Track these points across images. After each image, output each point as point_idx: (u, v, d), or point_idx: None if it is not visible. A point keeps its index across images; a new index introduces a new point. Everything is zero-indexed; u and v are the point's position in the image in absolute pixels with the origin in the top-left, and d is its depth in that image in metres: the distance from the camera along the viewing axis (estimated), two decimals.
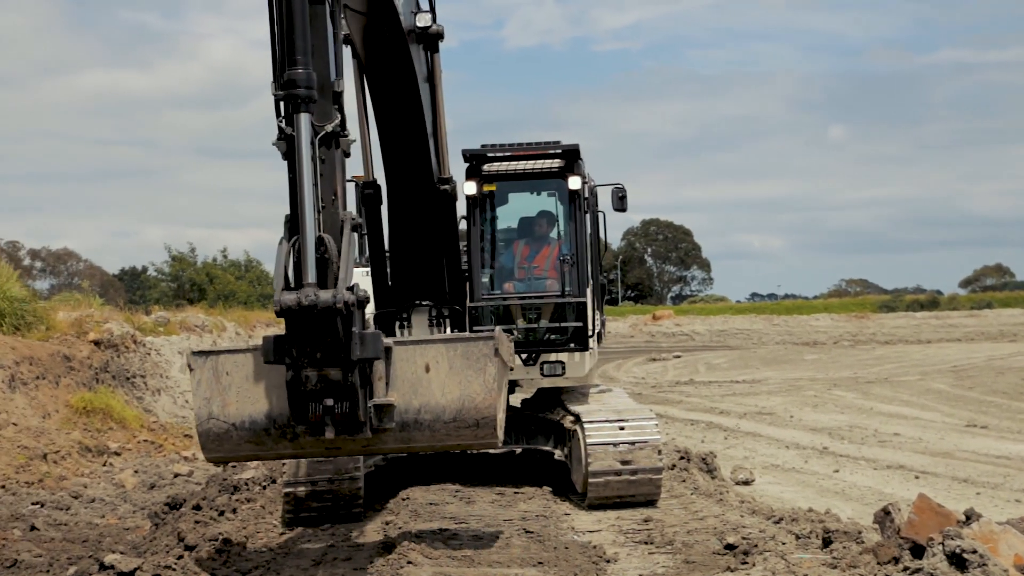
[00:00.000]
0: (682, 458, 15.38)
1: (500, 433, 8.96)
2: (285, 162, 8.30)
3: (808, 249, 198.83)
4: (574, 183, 13.66)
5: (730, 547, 9.91)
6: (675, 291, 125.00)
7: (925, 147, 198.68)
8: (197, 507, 12.95)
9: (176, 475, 17.33)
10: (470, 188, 13.81)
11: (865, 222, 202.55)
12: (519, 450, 15.24)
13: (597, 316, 14.48)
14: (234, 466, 16.73)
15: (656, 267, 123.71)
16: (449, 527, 11.52)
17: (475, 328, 13.45)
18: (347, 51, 11.63)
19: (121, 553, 10.03)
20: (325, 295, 7.88)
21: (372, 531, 11.63)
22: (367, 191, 13.38)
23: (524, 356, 13.59)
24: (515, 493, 13.67)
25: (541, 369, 13.62)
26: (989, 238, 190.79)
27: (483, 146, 14.17)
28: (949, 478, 16.28)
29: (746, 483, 15.79)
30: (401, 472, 14.48)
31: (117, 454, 18.28)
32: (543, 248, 14.40)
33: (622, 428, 12.83)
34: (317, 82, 8.20)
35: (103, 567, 8.74)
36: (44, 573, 10.46)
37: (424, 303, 13.60)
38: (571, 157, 13.79)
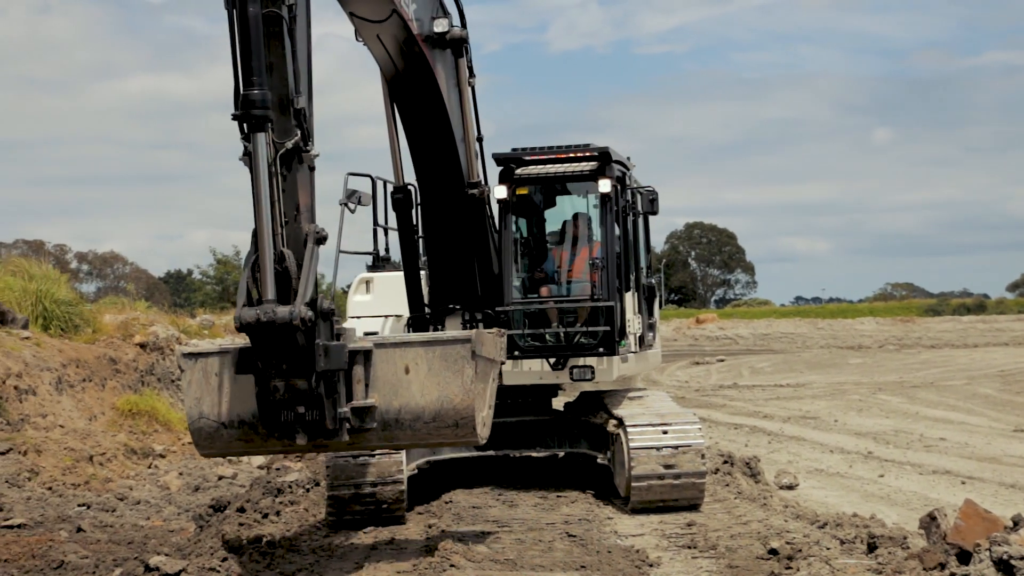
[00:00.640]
0: (725, 462, 15.31)
1: (481, 431, 9.17)
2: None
3: (853, 252, 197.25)
4: (604, 186, 13.59)
5: (774, 552, 9.85)
6: (719, 294, 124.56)
7: (971, 150, 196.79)
8: (241, 509, 13.02)
9: (220, 477, 17.42)
10: (501, 192, 13.80)
11: (911, 225, 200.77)
12: (562, 454, 15.22)
13: (637, 320, 14.40)
14: (277, 468, 16.81)
15: (700, 270, 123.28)
16: (492, 530, 11.52)
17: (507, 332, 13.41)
18: (370, 57, 11.71)
19: (166, 555, 10.10)
20: (283, 311, 8.10)
21: (415, 534, 11.65)
22: (397, 196, 13.43)
23: (553, 361, 13.55)
24: (558, 497, 13.66)
25: (571, 374, 13.56)
26: None
27: (514, 150, 14.17)
28: (996, 483, 16.10)
29: (790, 488, 15.69)
30: (444, 475, 14.50)
31: (162, 456, 18.41)
32: (574, 252, 14.37)
33: (665, 432, 12.78)
34: (277, 100, 8.35)
35: (148, 569, 8.80)
36: (90, 574, 10.54)
37: (456, 307, 13.64)
38: (603, 160, 13.73)
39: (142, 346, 22.66)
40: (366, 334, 14.24)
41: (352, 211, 13.11)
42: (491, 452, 14.28)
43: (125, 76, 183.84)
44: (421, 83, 12.08)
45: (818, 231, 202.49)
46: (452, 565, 9.54)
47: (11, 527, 12.45)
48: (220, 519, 12.81)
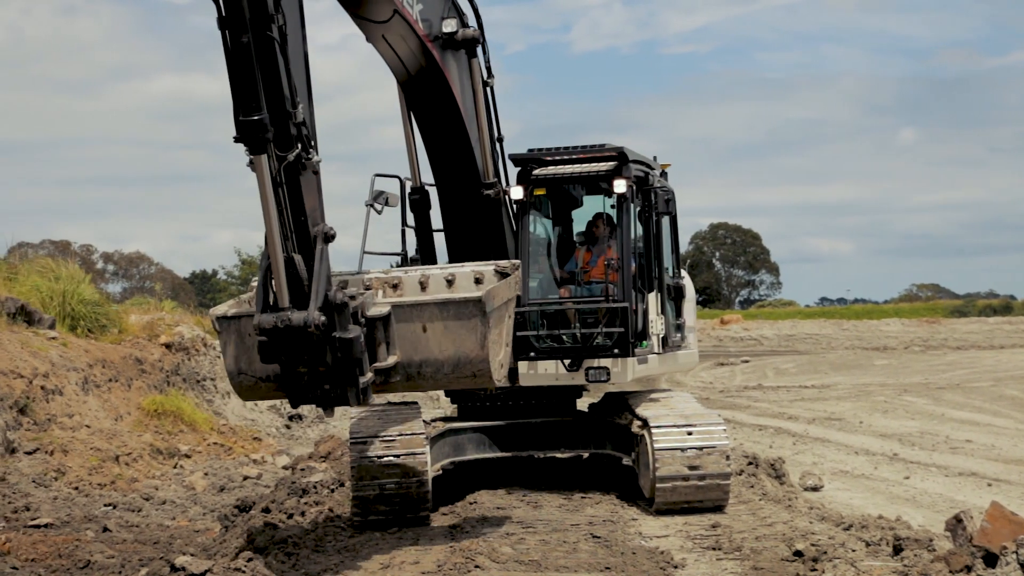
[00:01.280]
0: (750, 463, 15.27)
1: (497, 374, 9.83)
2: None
3: (878, 253, 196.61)
4: (620, 186, 13.53)
5: (799, 554, 9.82)
6: (743, 295, 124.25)
7: (997, 150, 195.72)
8: (266, 510, 13.07)
9: (245, 478, 17.49)
10: (517, 193, 13.79)
11: (936, 226, 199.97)
12: (586, 455, 15.20)
13: (661, 320, 14.35)
14: (302, 469, 16.86)
15: (724, 271, 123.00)
16: (516, 531, 11.52)
17: (519, 333, 13.40)
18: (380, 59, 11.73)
19: (192, 555, 10.15)
20: (298, 318, 8.68)
21: (439, 535, 11.67)
22: (413, 197, 13.45)
23: (568, 362, 13.52)
24: (582, 498, 13.65)
25: (586, 375, 13.53)
26: None
27: (530, 150, 14.17)
28: (1022, 486, 16.01)
29: (815, 489, 15.64)
30: (469, 476, 14.51)
31: (187, 456, 18.50)
32: (594, 252, 14.35)
33: (690, 433, 12.74)
34: (275, 114, 8.54)
35: (174, 569, 8.84)
36: (116, 574, 10.61)
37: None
38: (620, 160, 13.70)
39: (168, 346, 22.77)
40: None
41: (379, 212, 13.17)
42: (516, 453, 14.29)
43: (149, 77, 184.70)
44: (433, 84, 12.09)
45: (843, 232, 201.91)
46: (477, 566, 9.55)
47: (38, 527, 12.53)
48: (245, 519, 12.87)
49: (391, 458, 12.18)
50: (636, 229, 14.11)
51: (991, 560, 8.18)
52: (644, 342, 13.93)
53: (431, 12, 11.82)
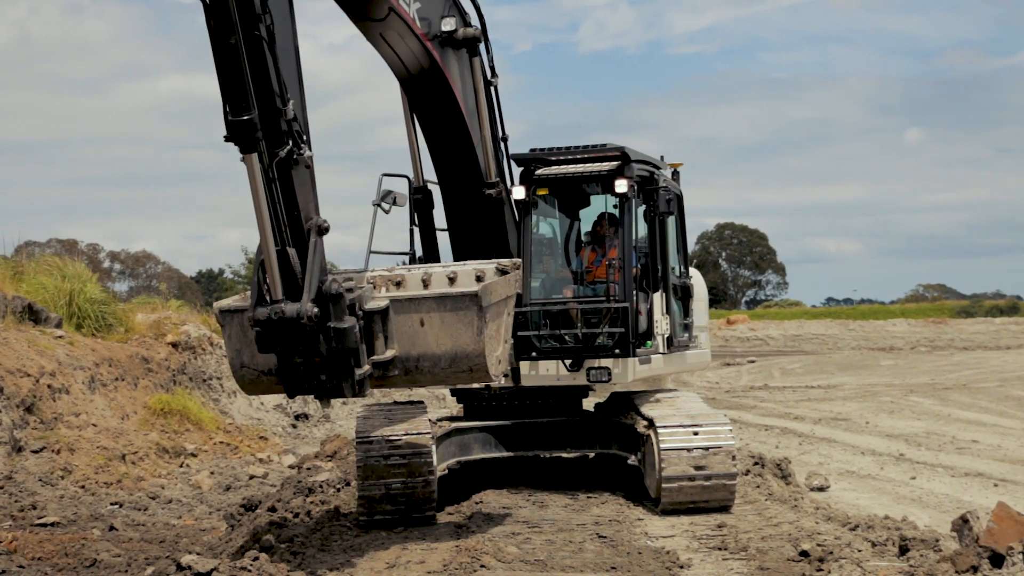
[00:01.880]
0: (756, 464, 15.26)
1: (494, 370, 9.94)
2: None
3: (885, 254, 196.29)
4: (621, 186, 13.51)
5: (805, 554, 9.81)
6: (750, 295, 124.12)
7: (1004, 150, 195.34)
8: (272, 509, 13.08)
9: (251, 477, 17.51)
10: (519, 193, 13.78)
11: (943, 226, 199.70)
12: (592, 455, 15.20)
13: (666, 320, 14.33)
14: (308, 468, 16.87)
15: (730, 271, 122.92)
16: (522, 531, 11.52)
17: (520, 333, 13.40)
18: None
19: (198, 554, 10.16)
20: (291, 310, 8.84)
21: (445, 534, 11.67)
22: (416, 196, 13.45)
23: (569, 361, 13.51)
24: (588, 498, 13.64)
25: (587, 375, 13.52)
26: None
27: (532, 150, 14.16)
28: None
29: (821, 489, 15.63)
30: (474, 476, 14.51)
31: (193, 455, 18.51)
32: (597, 252, 14.33)
33: (696, 433, 12.74)
34: (266, 112, 8.64)
35: (180, 567, 8.85)
36: (122, 573, 10.62)
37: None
38: (623, 160, 13.68)
39: (174, 345, 22.79)
40: None
41: (387, 212, 13.16)
42: (522, 453, 14.29)
43: (157, 76, 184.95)
44: (433, 83, 12.09)
45: (849, 232, 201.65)
46: (482, 565, 9.55)
47: (45, 525, 12.56)
48: (251, 518, 12.88)
49: (397, 458, 12.18)
50: (639, 229, 14.10)
51: (997, 561, 8.17)
52: (648, 342, 13.91)
53: (430, 11, 11.81)
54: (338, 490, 14.10)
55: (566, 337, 13.59)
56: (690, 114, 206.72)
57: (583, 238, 14.79)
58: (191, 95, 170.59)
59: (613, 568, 9.77)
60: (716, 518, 12.28)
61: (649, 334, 13.95)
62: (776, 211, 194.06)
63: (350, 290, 9.41)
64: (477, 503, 13.22)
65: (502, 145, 13.61)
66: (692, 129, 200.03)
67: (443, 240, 13.83)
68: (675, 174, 15.55)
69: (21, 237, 57.68)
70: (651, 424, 12.98)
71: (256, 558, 9.47)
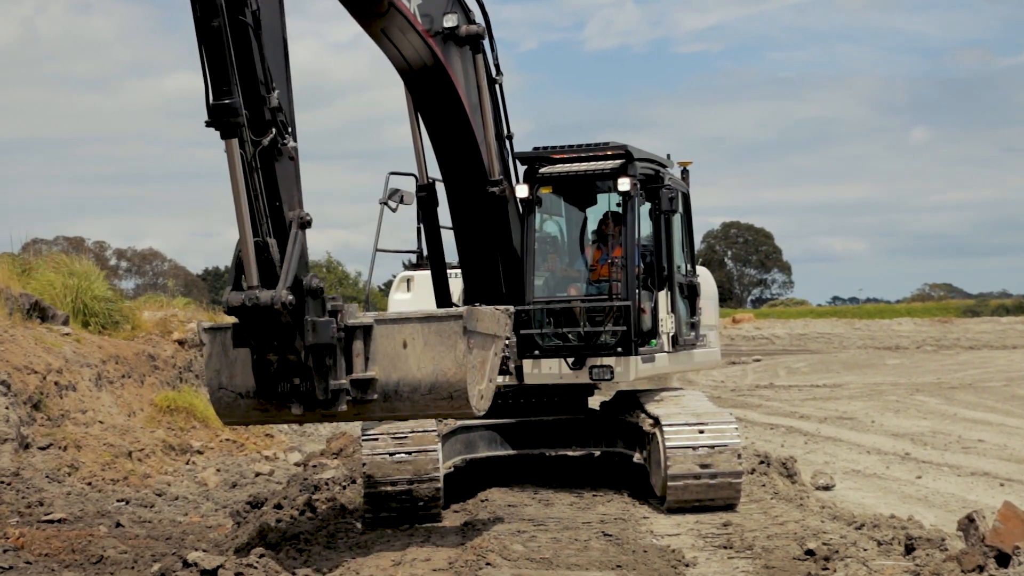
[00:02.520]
0: (762, 462, 15.25)
1: (475, 403, 9.64)
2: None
3: (891, 253, 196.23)
4: (624, 184, 13.49)
5: (810, 553, 9.81)
6: (755, 294, 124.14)
7: (1010, 149, 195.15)
8: (278, 506, 13.10)
9: (257, 474, 17.53)
10: (522, 191, 13.77)
11: (949, 225, 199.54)
12: (597, 453, 15.21)
13: (671, 319, 14.31)
14: (314, 465, 16.90)
15: (736, 270, 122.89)
16: (527, 529, 11.53)
17: (523, 331, 13.42)
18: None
19: (204, 551, 10.17)
20: (265, 296, 8.67)
21: (451, 532, 11.67)
22: (420, 194, 13.44)
23: (571, 360, 13.50)
24: (593, 496, 13.65)
25: (590, 373, 13.51)
26: None
27: (536, 148, 14.16)
28: None
29: (826, 488, 15.62)
30: (480, 474, 14.53)
31: (200, 452, 18.55)
32: (602, 251, 14.32)
33: (702, 432, 12.74)
34: (250, 99, 8.58)
35: (186, 564, 8.86)
36: (129, 569, 10.64)
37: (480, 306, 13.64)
38: (626, 158, 13.68)
39: (180, 343, 22.82)
40: None
41: (394, 210, 13.19)
42: (527, 451, 14.31)
43: (163, 74, 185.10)
44: (436, 80, 12.07)
45: (855, 231, 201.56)
46: (488, 563, 9.55)
47: (51, 522, 12.58)
48: (257, 516, 12.90)
49: (403, 455, 12.20)
50: (644, 227, 14.09)
51: (1003, 560, 8.17)
52: (653, 341, 13.90)
53: (432, 7, 11.79)
54: (344, 488, 14.11)
55: (569, 335, 13.58)
56: (696, 113, 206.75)
57: (590, 236, 14.78)
58: (198, 93, 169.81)
59: (619, 566, 9.77)
60: (722, 516, 12.28)
61: (654, 333, 13.93)
62: (782, 210, 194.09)
63: (334, 306, 9.25)
64: (483, 501, 13.23)
65: (507, 143, 13.61)
66: (698, 128, 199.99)
67: (448, 238, 13.84)
68: (684, 172, 15.53)
69: (28, 234, 57.81)
70: (657, 422, 12.99)
71: (262, 555, 9.49)
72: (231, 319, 9.50)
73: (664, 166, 14.55)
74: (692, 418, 12.90)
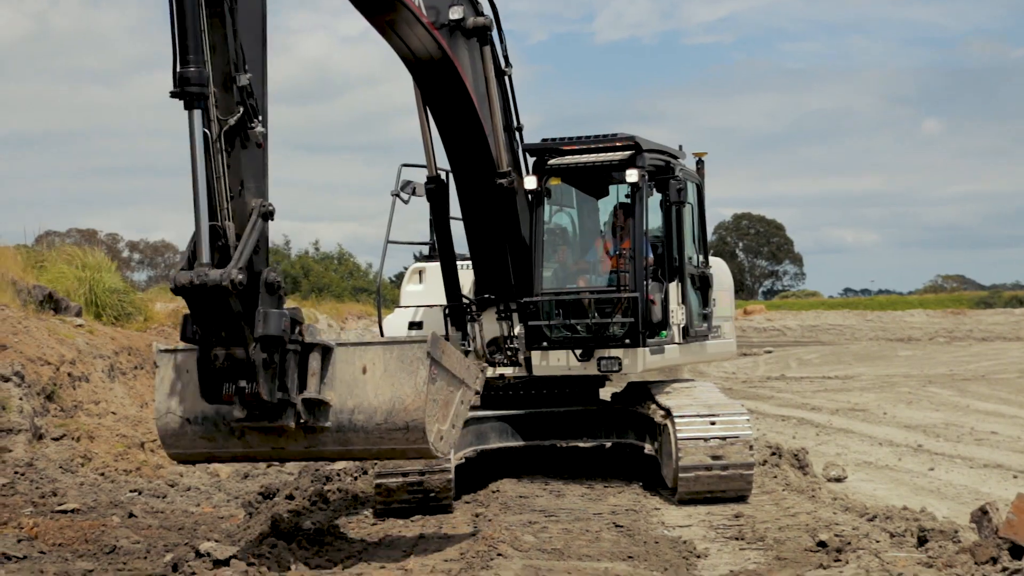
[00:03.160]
0: (773, 454, 15.24)
1: (433, 439, 9.03)
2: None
3: (903, 244, 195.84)
4: (631, 176, 13.46)
5: (823, 544, 9.80)
6: (767, 286, 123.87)
7: (1022, 140, 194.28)
8: (290, 496, 13.12)
9: (269, 465, 17.56)
10: (531, 182, 13.75)
11: (961, 217, 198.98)
12: (609, 444, 15.20)
13: (681, 310, 14.28)
14: None
15: (747, 262, 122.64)
16: (539, 520, 11.53)
17: (531, 323, 13.42)
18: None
19: (216, 541, 10.18)
20: (215, 274, 8.26)
21: (462, 523, 11.69)
22: (429, 186, 13.43)
23: (579, 352, 13.49)
24: (605, 487, 13.66)
25: (598, 365, 13.48)
26: None
27: (544, 140, 14.14)
28: None
29: (838, 480, 15.59)
30: (491, 465, 14.54)
31: None
32: (604, 242, 14.31)
33: (713, 423, 12.73)
34: (221, 78, 8.41)
35: (199, 555, 8.88)
36: (142, 559, 10.66)
37: (491, 297, 13.66)
38: (635, 149, 13.65)
39: None
40: (412, 324, 14.34)
41: (406, 202, 13.20)
42: (538, 442, 14.31)
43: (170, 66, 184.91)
44: (444, 73, 12.04)
45: (867, 223, 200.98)
46: (499, 554, 9.56)
47: (65, 512, 12.61)
48: (269, 506, 12.92)
49: None
50: (653, 218, 14.06)
51: (1017, 552, 8.15)
52: (663, 332, 13.88)
53: (438, 0, 11.79)
54: (355, 478, 14.13)
55: (578, 327, 13.57)
56: (706, 105, 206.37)
57: (598, 228, 14.77)
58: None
59: (630, 557, 9.77)
60: (733, 508, 12.28)
61: (664, 324, 13.90)
62: (793, 201, 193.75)
63: (294, 314, 8.85)
64: (494, 492, 13.24)
65: (516, 135, 13.60)
66: (708, 119, 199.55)
67: (459, 230, 13.85)
68: (699, 163, 15.49)
69: (41, 227, 57.93)
70: (668, 414, 12.98)
71: (274, 545, 9.51)
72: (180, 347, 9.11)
73: (675, 157, 14.52)
74: (704, 409, 12.90)
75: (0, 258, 20.67)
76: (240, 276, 8.29)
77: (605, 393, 15.23)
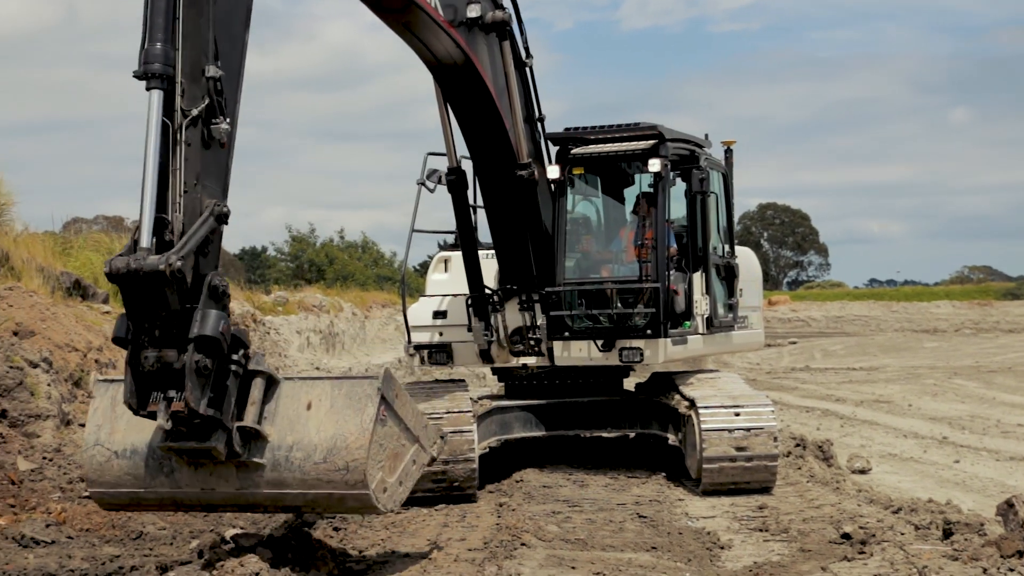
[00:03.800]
0: (798, 445, 15.21)
1: (374, 486, 8.14)
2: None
3: (929, 235, 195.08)
4: (654, 165, 13.44)
5: (847, 536, 9.78)
6: (791, 276, 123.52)
7: None
8: None
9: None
10: (553, 172, 13.75)
11: (989, 207, 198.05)
12: (632, 434, 15.21)
13: (705, 301, 14.24)
14: None
15: (772, 252, 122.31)
16: (562, 510, 11.56)
17: (553, 312, 13.41)
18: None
19: (241, 528, 10.25)
20: (153, 259, 7.61)
21: (486, 512, 11.72)
22: (450, 177, 13.44)
23: (601, 342, 13.48)
24: (628, 477, 13.66)
25: (620, 355, 13.47)
26: None
27: (567, 129, 14.13)
28: None
29: (863, 472, 15.55)
30: (515, 455, 14.57)
31: None
32: (626, 232, 14.29)
33: (737, 414, 12.72)
34: (190, 67, 8.04)
35: (224, 541, 8.93)
36: (168, 545, 10.72)
37: (514, 288, 13.66)
38: (657, 139, 13.63)
39: None
40: (437, 314, 14.35)
41: (431, 191, 13.20)
42: (562, 432, 14.33)
43: None
44: (465, 76, 11.99)
45: (893, 213, 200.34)
46: (523, 544, 9.58)
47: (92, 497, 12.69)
48: None
49: None
50: (677, 208, 14.04)
51: None
52: (686, 323, 13.86)
53: None
54: None
55: (600, 317, 13.56)
56: (732, 93, 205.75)
57: (621, 217, 14.75)
58: None
59: (653, 548, 9.78)
60: (757, 499, 12.27)
61: (687, 314, 13.88)
62: (819, 191, 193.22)
63: (239, 331, 8.19)
64: (518, 482, 13.27)
65: (538, 125, 13.59)
66: (734, 108, 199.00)
67: (483, 219, 13.86)
68: (728, 152, 15.43)
69: (69, 214, 58.08)
70: (692, 404, 12.97)
71: (299, 533, 9.55)
72: (118, 378, 8.37)
73: (700, 146, 14.47)
74: (728, 400, 12.88)
75: (28, 245, 20.78)
76: (179, 263, 7.65)
77: (629, 383, 15.22)
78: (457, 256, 14.49)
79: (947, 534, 9.54)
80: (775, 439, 12.64)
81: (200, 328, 7.78)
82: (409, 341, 14.38)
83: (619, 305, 13.48)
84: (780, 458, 13.08)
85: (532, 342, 13.84)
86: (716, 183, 14.75)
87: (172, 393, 7.80)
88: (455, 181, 13.49)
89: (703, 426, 12.62)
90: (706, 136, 14.86)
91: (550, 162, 13.87)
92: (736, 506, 12.01)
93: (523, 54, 13.04)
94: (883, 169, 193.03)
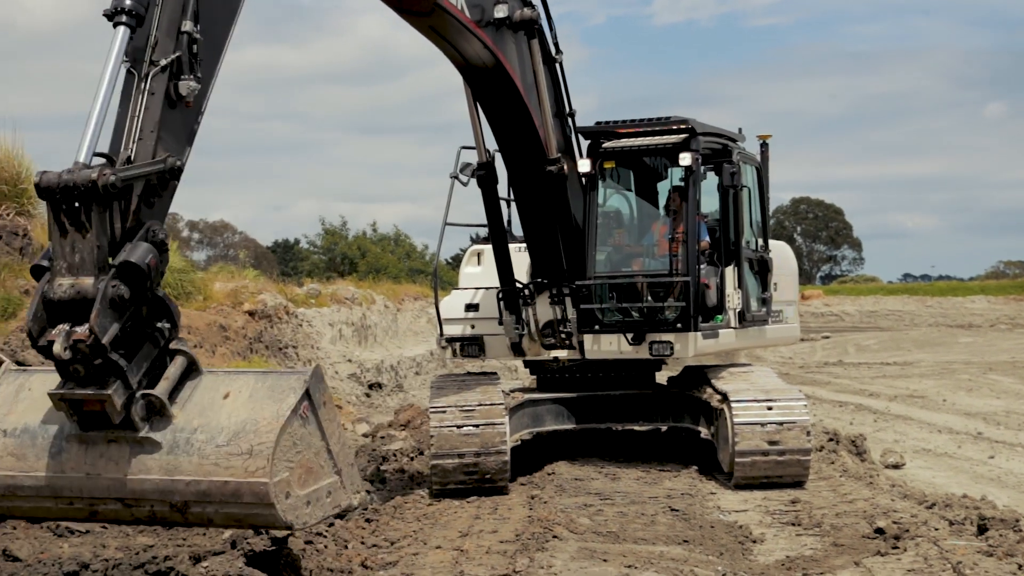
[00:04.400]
0: (831, 440, 15.14)
1: (275, 490, 6.99)
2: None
3: (964, 229, 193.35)
4: (685, 159, 13.38)
5: (880, 531, 9.73)
6: (825, 271, 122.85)
7: None
8: None
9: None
10: (584, 166, 13.72)
11: None
12: (665, 428, 15.18)
13: (738, 295, 14.20)
14: (382, 436, 17.00)
15: (806, 246, 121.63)
16: (594, 503, 11.55)
17: (583, 306, 13.39)
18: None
19: None
20: (87, 172, 6.98)
21: (518, 504, 11.72)
22: (480, 172, 13.43)
23: (631, 336, 13.44)
24: (660, 471, 13.64)
25: (650, 349, 13.44)
26: None
27: (598, 123, 14.10)
28: None
29: (896, 467, 15.46)
30: (547, 447, 14.56)
31: None
32: (657, 226, 14.25)
33: (770, 408, 12.67)
34: (167, 24, 7.65)
35: (257, 532, 8.96)
36: (201, 535, 10.77)
37: (544, 282, 13.65)
38: (689, 133, 13.57)
39: (251, 314, 23.04)
40: (469, 306, 14.36)
41: (464, 184, 13.19)
42: (594, 425, 14.32)
43: (235, 48, 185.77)
44: (496, 78, 11.95)
45: (928, 207, 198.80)
46: (555, 536, 9.58)
47: None
48: None
49: (470, 428, 12.26)
50: (711, 202, 13.99)
51: None
52: (718, 316, 13.83)
53: None
54: (411, 459, 14.21)
55: (631, 311, 13.54)
56: (766, 88, 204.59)
57: (652, 211, 14.71)
58: (268, 67, 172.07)
59: (685, 541, 9.76)
60: (790, 493, 12.22)
61: (719, 308, 13.85)
62: (852, 186, 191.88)
63: (169, 305, 7.52)
64: (549, 474, 13.27)
65: (568, 120, 13.56)
66: (768, 103, 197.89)
67: (514, 213, 13.87)
68: (764, 146, 15.36)
69: None
70: (725, 398, 12.94)
71: (331, 524, 9.59)
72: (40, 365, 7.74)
73: (733, 140, 14.42)
74: (761, 394, 12.84)
75: None
76: (114, 179, 6.98)
77: (661, 377, 15.19)
78: (490, 249, 14.48)
79: (982, 530, 9.47)
80: (808, 433, 12.59)
81: (127, 255, 7.12)
82: (441, 334, 14.40)
83: (649, 299, 13.46)
84: (813, 452, 13.02)
85: (563, 335, 13.83)
86: (749, 177, 14.69)
87: (78, 328, 6.98)
88: (485, 176, 13.48)
89: (735, 420, 12.58)
90: (740, 131, 14.79)
91: (581, 156, 13.84)
92: (769, 500, 11.97)
93: (553, 50, 13.01)
94: (917, 163, 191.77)
